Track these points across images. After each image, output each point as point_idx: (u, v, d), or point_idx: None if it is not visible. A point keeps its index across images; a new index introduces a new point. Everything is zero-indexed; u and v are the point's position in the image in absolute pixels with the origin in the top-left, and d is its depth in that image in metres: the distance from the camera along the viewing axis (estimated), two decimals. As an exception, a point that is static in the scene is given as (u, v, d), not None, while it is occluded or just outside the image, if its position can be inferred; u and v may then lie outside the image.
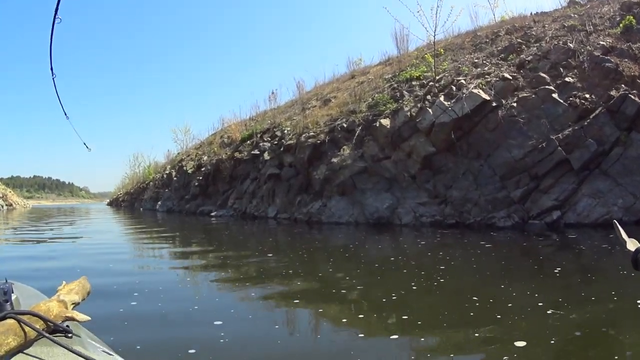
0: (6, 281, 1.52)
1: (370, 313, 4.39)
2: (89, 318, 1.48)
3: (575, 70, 11.38)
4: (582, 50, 11.63)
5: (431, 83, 12.81)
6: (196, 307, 4.61)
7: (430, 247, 9.05)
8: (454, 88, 12.01)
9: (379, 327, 4.03)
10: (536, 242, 9.06)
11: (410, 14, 17.28)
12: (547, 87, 11.23)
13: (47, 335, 1.26)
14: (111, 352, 1.50)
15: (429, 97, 12.37)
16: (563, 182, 10.38)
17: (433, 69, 13.09)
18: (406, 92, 13.27)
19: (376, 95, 14.11)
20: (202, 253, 9.84)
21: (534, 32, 12.95)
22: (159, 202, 27.99)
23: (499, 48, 13.05)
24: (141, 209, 32.58)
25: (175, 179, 26.71)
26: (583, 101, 10.82)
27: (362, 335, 3.72)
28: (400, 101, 12.96)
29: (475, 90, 11.52)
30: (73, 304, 1.55)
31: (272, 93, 22.69)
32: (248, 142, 19.22)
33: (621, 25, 11.93)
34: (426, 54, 13.92)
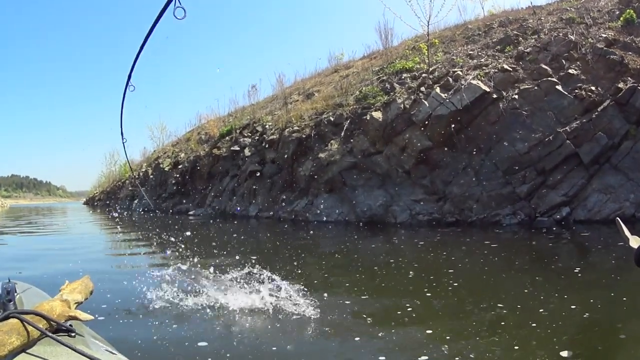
0: (9, 281, 1.40)
1: (387, 329, 3.51)
2: (92, 317, 1.42)
3: (578, 63, 10.21)
4: (584, 42, 10.48)
5: (424, 75, 11.47)
6: (175, 326, 3.72)
7: (432, 248, 7.80)
8: (450, 79, 10.70)
9: (402, 346, 3.20)
10: (547, 241, 7.90)
11: (400, 5, 15.70)
12: (549, 79, 10.02)
13: (50, 334, 1.21)
14: (114, 351, 1.43)
15: (422, 88, 11.02)
16: (572, 177, 9.18)
17: (427, 60, 11.75)
18: (397, 84, 11.90)
19: (364, 87, 12.70)
20: (178, 257, 8.30)
21: (530, 24, 11.76)
22: (135, 201, 25.93)
23: (494, 40, 11.81)
24: (117, 208, 30.34)
25: (151, 177, 24.71)
26: (589, 93, 9.66)
27: (384, 357, 2.92)
28: (392, 93, 11.58)
29: (474, 82, 10.23)
30: (76, 303, 1.50)
31: (253, 87, 20.71)
32: (227, 138, 17.49)
33: (621, 19, 10.84)
34: (420, 43, 12.53)
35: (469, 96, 10.03)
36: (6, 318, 1.18)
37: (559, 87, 9.84)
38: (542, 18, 11.80)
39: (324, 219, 11.36)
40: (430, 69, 11.51)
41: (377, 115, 11.14)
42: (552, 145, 9.30)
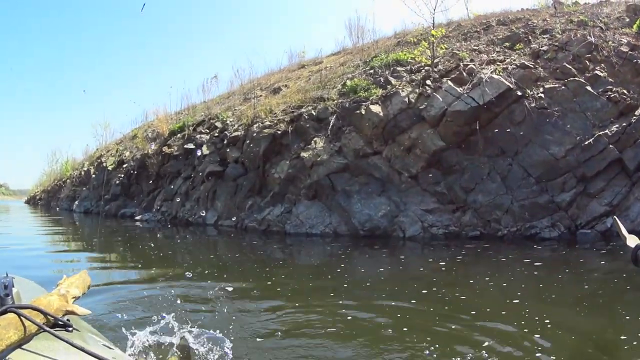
0: (7, 275, 1.17)
1: None
2: (90, 312, 1.24)
3: (602, 65, 7.85)
4: (604, 45, 8.15)
5: (428, 67, 8.61)
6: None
7: (464, 270, 5.18)
8: (463, 73, 7.92)
9: None
10: (599, 258, 5.62)
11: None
12: (576, 79, 7.54)
13: (47, 329, 1.05)
14: (112, 346, 1.27)
15: (428, 82, 8.15)
16: (614, 185, 6.69)
17: (433, 52, 8.89)
18: (391, 78, 8.95)
19: (348, 81, 9.62)
20: (124, 279, 4.96)
21: (536, 24, 9.32)
22: (76, 202, 20.80)
23: (500, 37, 9.23)
24: (57, 208, 24.65)
25: (93, 176, 19.87)
26: (623, 96, 7.27)
27: None
28: (389, 87, 8.60)
29: (495, 76, 7.51)
30: (73, 297, 1.27)
31: (214, 77, 16.81)
32: (178, 135, 13.58)
33: (635, 26, 8.68)
34: (431, 31, 9.51)
35: (492, 91, 7.29)
36: (4, 312, 1.01)
37: (589, 88, 7.37)
38: (548, 19, 9.41)
39: (307, 230, 8.05)
40: (435, 62, 8.68)
41: (376, 109, 8.08)
42: (593, 150, 6.77)
